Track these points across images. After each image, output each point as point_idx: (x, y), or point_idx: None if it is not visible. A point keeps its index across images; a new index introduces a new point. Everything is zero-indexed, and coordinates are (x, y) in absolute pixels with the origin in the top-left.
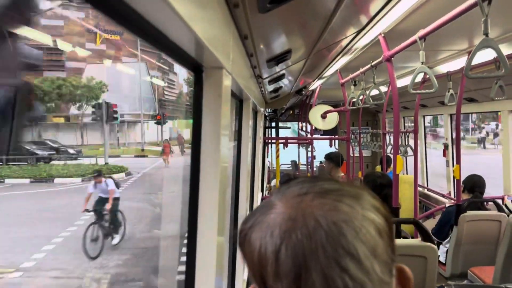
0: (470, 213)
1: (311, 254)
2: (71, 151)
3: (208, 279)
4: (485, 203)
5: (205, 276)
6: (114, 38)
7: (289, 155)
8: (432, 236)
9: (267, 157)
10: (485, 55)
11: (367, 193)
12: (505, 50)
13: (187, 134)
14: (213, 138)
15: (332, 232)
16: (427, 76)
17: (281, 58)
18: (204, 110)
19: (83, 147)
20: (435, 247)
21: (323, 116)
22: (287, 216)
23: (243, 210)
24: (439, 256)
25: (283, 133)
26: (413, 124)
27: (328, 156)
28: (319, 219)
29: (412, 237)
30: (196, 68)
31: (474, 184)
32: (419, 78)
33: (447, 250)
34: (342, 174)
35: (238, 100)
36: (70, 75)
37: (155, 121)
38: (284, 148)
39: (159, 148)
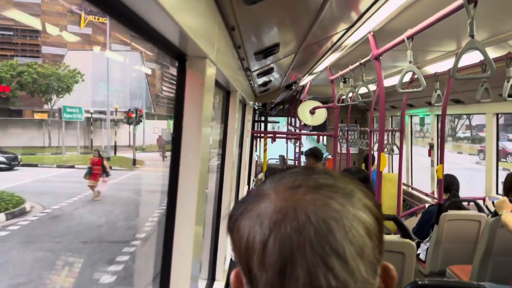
0: (451, 212)
1: (298, 248)
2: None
3: (185, 267)
4: (464, 203)
5: (181, 263)
6: (101, 21)
7: (277, 150)
8: (412, 234)
9: (255, 151)
10: (472, 57)
11: (360, 191)
12: (492, 53)
13: None
14: (194, 127)
15: (321, 229)
16: (415, 76)
17: (269, 51)
18: (187, 98)
19: (46, 149)
20: (413, 243)
21: (312, 112)
22: (278, 208)
23: (227, 202)
24: (419, 254)
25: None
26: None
27: (309, 152)
28: (310, 214)
29: (395, 234)
30: (180, 56)
31: (449, 183)
32: (407, 77)
33: (427, 248)
34: None
35: (225, 92)
36: (48, 62)
37: (128, 119)
38: (272, 143)
39: (141, 154)
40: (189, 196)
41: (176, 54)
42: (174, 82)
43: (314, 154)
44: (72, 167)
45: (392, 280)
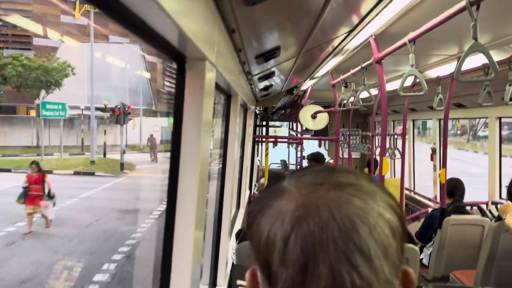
0: (454, 217)
1: (321, 245)
2: None
3: (185, 272)
4: (467, 207)
5: (181, 268)
6: (97, 11)
7: (279, 155)
8: (415, 238)
9: (257, 155)
10: (474, 61)
11: (383, 190)
12: (494, 57)
13: None
14: (194, 130)
15: (345, 226)
16: (417, 80)
17: (270, 54)
18: (186, 101)
19: (33, 150)
20: (417, 248)
21: (314, 116)
22: (300, 203)
23: (228, 206)
24: (422, 259)
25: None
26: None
27: (311, 157)
28: (333, 211)
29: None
30: (179, 58)
31: (453, 188)
32: (409, 81)
33: (430, 253)
34: None
35: (226, 95)
36: (37, 54)
37: (117, 118)
38: (273, 147)
39: (135, 156)
40: (188, 200)
41: (175, 56)
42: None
43: (316, 158)
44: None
45: (412, 285)
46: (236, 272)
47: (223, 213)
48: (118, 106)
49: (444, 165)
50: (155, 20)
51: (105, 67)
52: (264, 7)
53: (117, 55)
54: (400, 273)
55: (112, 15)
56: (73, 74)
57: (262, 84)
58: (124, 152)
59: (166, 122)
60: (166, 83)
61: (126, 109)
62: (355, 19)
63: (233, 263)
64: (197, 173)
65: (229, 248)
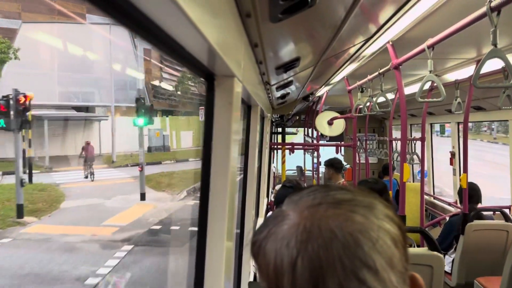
0: (476, 222)
1: (328, 266)
2: None
3: (217, 283)
4: (489, 212)
5: (214, 281)
6: None
7: (295, 161)
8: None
9: (273, 162)
10: (494, 63)
11: (379, 202)
12: None
13: (186, 139)
14: (223, 144)
15: (348, 243)
16: (435, 84)
17: (290, 65)
18: (215, 117)
19: None
20: (442, 256)
21: (330, 122)
22: (302, 227)
23: (250, 216)
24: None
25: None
26: (418, 132)
27: (329, 163)
28: (335, 230)
29: (418, 245)
30: (208, 76)
31: (470, 193)
32: (426, 86)
33: (452, 260)
34: (343, 180)
35: (247, 106)
36: None
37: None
38: (290, 154)
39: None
40: (220, 211)
41: (204, 74)
42: (179, 69)
43: (334, 164)
44: None
45: None
46: None
47: (245, 222)
48: (4, 99)
49: (465, 169)
50: (186, 39)
51: (81, 54)
52: (288, 22)
53: (97, 39)
54: (408, 279)
55: (144, 34)
56: (15, 58)
57: (279, 93)
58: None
59: (159, 124)
60: (165, 76)
61: (22, 101)
62: (373, 28)
63: (255, 274)
64: (227, 186)
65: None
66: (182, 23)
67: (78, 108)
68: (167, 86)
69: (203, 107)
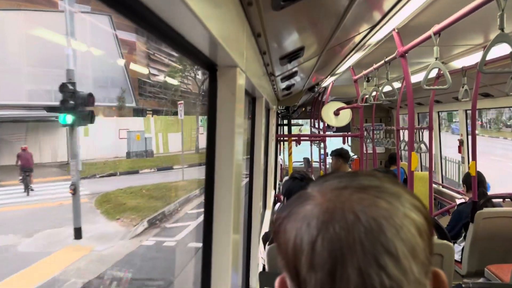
0: (486, 210)
1: (348, 248)
2: None
3: (224, 276)
4: (498, 199)
5: (221, 273)
6: None
7: (301, 153)
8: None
9: (279, 154)
10: (501, 49)
11: (406, 191)
12: None
13: (175, 142)
14: (227, 136)
15: (371, 227)
16: (442, 72)
17: (294, 55)
18: (219, 108)
19: None
20: (452, 244)
21: (336, 113)
22: (324, 208)
23: (257, 208)
24: None
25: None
26: (425, 120)
27: (336, 153)
28: (358, 213)
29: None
30: (211, 66)
31: (478, 181)
32: (433, 73)
33: (462, 248)
34: (350, 170)
35: (251, 98)
36: None
37: None
38: (296, 146)
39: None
40: (225, 204)
41: (207, 65)
42: (170, 62)
43: (341, 154)
44: None
45: (444, 285)
46: (264, 279)
47: (252, 214)
48: None
49: (474, 157)
50: (188, 29)
51: (52, 47)
52: (290, 10)
53: (75, 28)
54: (430, 273)
55: (145, 25)
56: None
57: (284, 84)
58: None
59: (143, 125)
60: (153, 71)
61: None
62: (378, 15)
63: (264, 266)
64: (232, 176)
65: (260, 250)
66: (183, 13)
67: (51, 108)
68: (156, 81)
69: (199, 104)
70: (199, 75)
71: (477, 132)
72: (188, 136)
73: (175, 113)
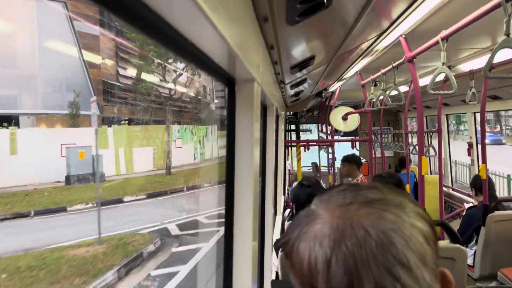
0: (498, 213)
1: (362, 263)
2: None
3: (246, 282)
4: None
5: (242, 281)
6: None
7: (309, 157)
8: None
9: (288, 160)
10: (509, 53)
11: (409, 200)
12: None
13: (143, 159)
14: (246, 147)
15: (382, 241)
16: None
17: (304, 64)
18: (237, 120)
19: None
20: (464, 248)
21: (344, 117)
22: (334, 226)
23: (269, 214)
24: None
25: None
26: (431, 123)
27: (347, 159)
28: (368, 228)
29: (438, 239)
30: (229, 81)
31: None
32: (440, 77)
33: (474, 252)
34: (361, 176)
35: (263, 106)
36: None
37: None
38: (305, 151)
39: None
40: (245, 214)
41: (225, 79)
42: (141, 62)
43: (354, 161)
44: None
45: (451, 285)
46: (276, 287)
47: (265, 221)
48: None
49: (484, 160)
50: (208, 44)
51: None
52: (303, 24)
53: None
54: (438, 275)
55: (166, 42)
56: None
57: (293, 91)
58: None
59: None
60: (122, 71)
61: None
62: (386, 23)
63: (276, 272)
64: (251, 186)
65: (273, 256)
66: (204, 29)
67: None
68: (126, 83)
69: (173, 110)
70: (173, 74)
71: (503, 140)
72: (159, 151)
73: (148, 123)
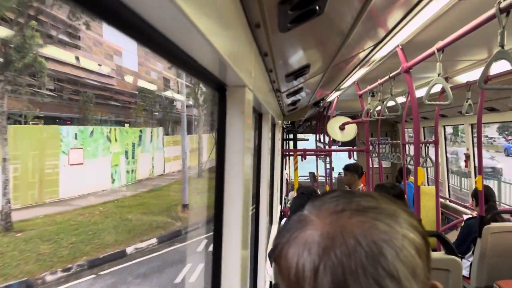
0: (494, 225)
1: (351, 273)
2: None
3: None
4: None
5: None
6: None
7: (307, 167)
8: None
9: (285, 169)
10: (505, 64)
11: (403, 210)
12: None
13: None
14: (236, 153)
15: (372, 251)
16: None
17: (300, 72)
18: (228, 127)
19: None
20: (459, 260)
21: (342, 127)
22: (325, 233)
23: (264, 223)
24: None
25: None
26: (429, 135)
27: (349, 168)
28: (359, 238)
29: (434, 249)
30: (220, 86)
31: (487, 195)
32: (437, 88)
33: (470, 264)
34: (362, 185)
35: (258, 114)
36: None
37: None
38: (302, 160)
39: None
40: (234, 222)
41: (216, 85)
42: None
43: (355, 169)
44: None
45: None
46: None
47: (259, 229)
48: None
49: (480, 171)
50: (197, 51)
51: None
52: (297, 31)
53: None
54: None
55: (156, 49)
56: None
57: (289, 100)
58: None
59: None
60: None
61: None
62: (382, 32)
63: (270, 282)
64: (241, 193)
65: (267, 265)
66: (193, 36)
67: None
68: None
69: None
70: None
71: None
72: (30, 172)
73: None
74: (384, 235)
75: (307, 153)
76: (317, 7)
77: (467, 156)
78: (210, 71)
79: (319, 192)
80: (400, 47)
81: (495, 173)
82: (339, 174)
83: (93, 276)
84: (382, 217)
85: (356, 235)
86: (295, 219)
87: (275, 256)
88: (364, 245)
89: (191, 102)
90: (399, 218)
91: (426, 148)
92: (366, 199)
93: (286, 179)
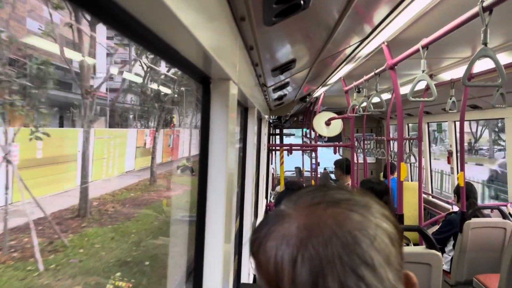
0: (474, 220)
1: (327, 263)
2: None
3: (215, 285)
4: (488, 210)
5: (212, 282)
6: None
7: (293, 162)
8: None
9: (271, 164)
10: (488, 62)
11: (375, 202)
12: (507, 58)
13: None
14: (220, 146)
15: (347, 241)
16: None
17: (286, 67)
18: (212, 120)
19: None
20: (440, 254)
21: (327, 123)
22: (302, 225)
23: (248, 217)
24: (443, 264)
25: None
26: (414, 131)
27: (336, 163)
28: (334, 228)
29: (416, 244)
30: (204, 79)
31: (468, 191)
32: (421, 86)
33: (451, 258)
34: (349, 182)
35: (243, 108)
36: None
37: None
38: (288, 155)
39: None
40: (217, 216)
41: (200, 78)
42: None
43: (340, 165)
44: None
45: (415, 287)
46: None
47: (244, 223)
48: None
49: (462, 167)
50: (180, 43)
51: None
52: (282, 25)
53: None
54: (403, 277)
55: (139, 40)
56: None
57: (276, 95)
58: None
59: None
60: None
61: None
62: (368, 28)
63: (254, 275)
64: (224, 186)
65: (252, 260)
66: (176, 28)
67: None
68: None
69: None
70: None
71: None
72: None
73: None
74: (358, 225)
75: (293, 148)
76: (302, 1)
77: (450, 153)
78: (194, 64)
79: (304, 186)
80: (385, 43)
81: None
82: (325, 169)
83: None
84: (356, 208)
85: (332, 226)
86: (273, 214)
87: (253, 251)
88: (340, 235)
89: None
90: (371, 209)
91: (410, 144)
92: (340, 192)
93: (272, 174)
